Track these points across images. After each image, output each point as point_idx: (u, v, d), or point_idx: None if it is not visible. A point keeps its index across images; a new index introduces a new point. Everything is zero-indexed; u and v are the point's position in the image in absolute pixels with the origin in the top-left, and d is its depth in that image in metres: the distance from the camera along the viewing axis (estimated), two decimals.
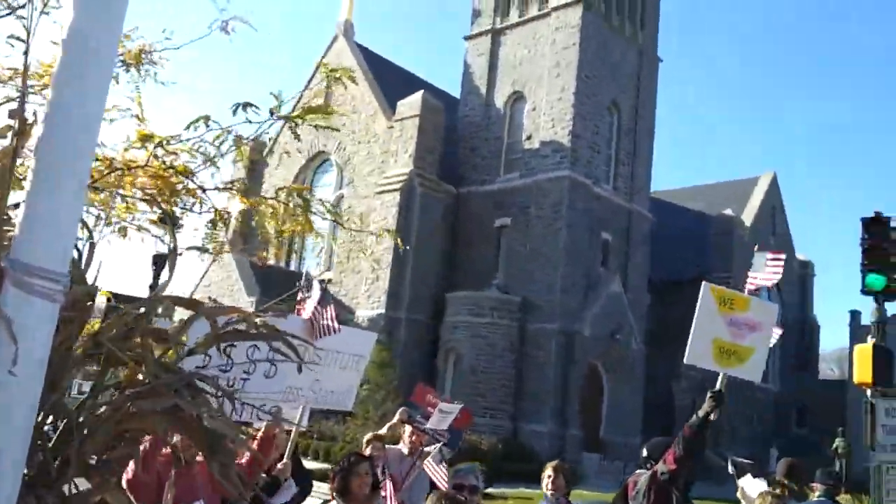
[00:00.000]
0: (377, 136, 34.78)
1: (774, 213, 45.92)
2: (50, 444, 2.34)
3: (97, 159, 4.15)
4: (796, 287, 47.99)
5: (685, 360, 5.13)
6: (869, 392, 9.85)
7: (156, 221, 7.80)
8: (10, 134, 2.21)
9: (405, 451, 7.02)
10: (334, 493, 5.64)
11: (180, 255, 2.55)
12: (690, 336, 5.09)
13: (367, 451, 6.63)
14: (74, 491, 2.33)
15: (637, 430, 31.39)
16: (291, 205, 4.26)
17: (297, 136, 4.11)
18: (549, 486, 5.92)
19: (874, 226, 10.60)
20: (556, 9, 33.19)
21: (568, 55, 32.20)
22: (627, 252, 34.23)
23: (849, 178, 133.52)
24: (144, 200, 4.24)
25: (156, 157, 3.99)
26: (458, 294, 31.18)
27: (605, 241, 33.12)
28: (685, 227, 42.43)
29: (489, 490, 20.31)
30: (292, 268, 36.84)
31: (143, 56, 4.35)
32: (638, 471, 5.83)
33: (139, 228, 4.30)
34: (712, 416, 4.97)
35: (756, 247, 6.89)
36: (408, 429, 7.32)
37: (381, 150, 34.22)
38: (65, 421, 2.36)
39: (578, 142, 31.65)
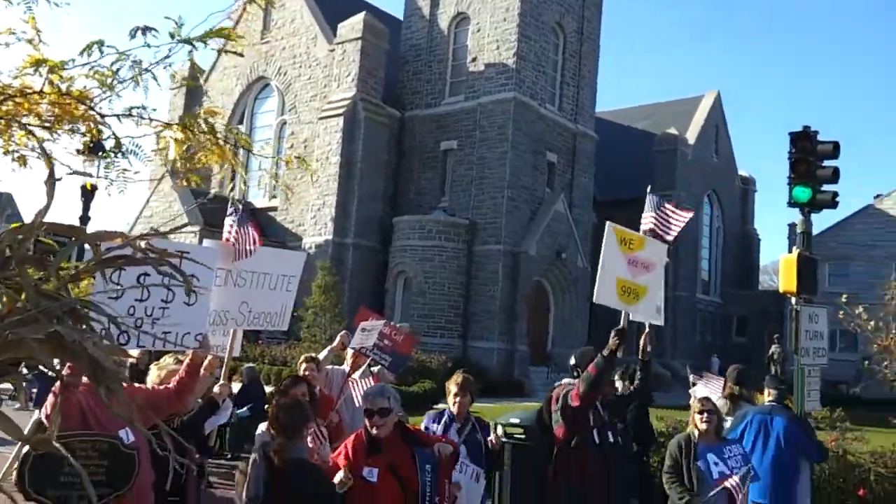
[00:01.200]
0: (318, 60, 33.95)
1: (718, 131, 46.60)
2: None
3: None
4: (738, 202, 49.21)
5: (594, 300, 5.22)
6: (794, 300, 10.28)
7: (82, 151, 7.61)
8: None
9: (347, 370, 7.16)
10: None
11: (59, 179, 2.53)
12: (598, 275, 5.19)
13: (302, 372, 6.74)
14: None
15: (583, 345, 32.24)
16: (197, 132, 4.16)
17: (194, 67, 3.99)
18: (455, 407, 5.66)
19: (801, 140, 10.83)
20: None
21: None
22: (573, 172, 34.49)
23: (791, 95, 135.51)
24: (45, 128, 4.12)
25: (51, 83, 3.86)
26: (406, 218, 31.22)
27: (550, 163, 33.27)
28: (630, 147, 42.87)
29: (438, 405, 20.96)
30: (237, 196, 36.22)
31: None
32: (564, 380, 6.01)
33: (42, 157, 4.19)
34: (619, 354, 5.11)
35: (648, 188, 7.08)
36: (350, 351, 7.45)
37: (324, 74, 33.47)
38: None
39: (523, 63, 31.37)
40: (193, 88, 38.85)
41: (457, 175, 32.39)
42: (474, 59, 32.61)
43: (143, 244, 2.58)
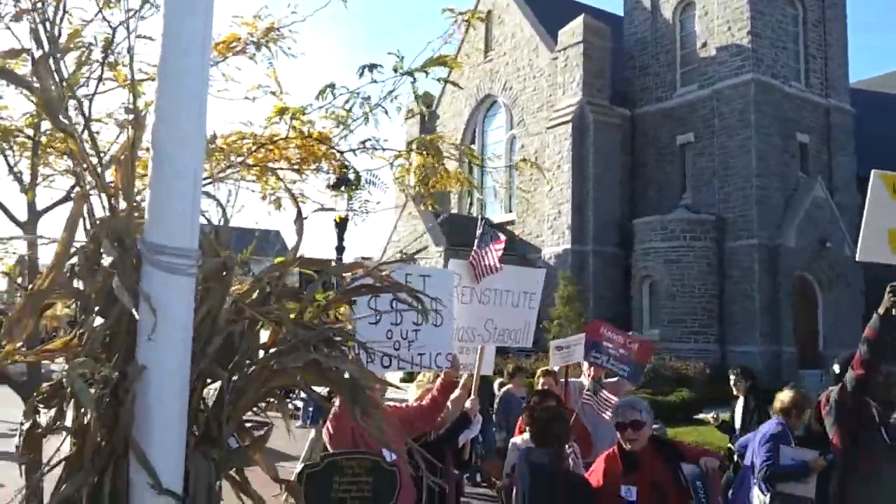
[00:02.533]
0: (542, 70, 34.09)
1: None
2: (210, 406, 2.54)
3: (244, 137, 4.40)
4: None
5: (857, 258, 4.66)
6: None
7: (330, 187, 8.16)
8: (128, 127, 2.40)
9: (585, 383, 7.01)
10: (527, 428, 5.76)
11: (306, 218, 2.66)
12: (861, 230, 4.59)
13: (541, 386, 6.70)
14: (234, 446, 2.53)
15: (859, 343, 29.08)
16: (427, 155, 4.27)
17: (417, 97, 4.08)
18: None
19: None
20: None
21: None
22: (830, 152, 31.32)
23: None
24: (294, 170, 4.44)
25: (294, 128, 4.16)
26: (646, 219, 30.16)
27: (801, 144, 30.49)
28: None
29: (701, 416, 19.82)
30: (474, 214, 37.41)
31: (273, 33, 4.50)
32: (830, 388, 5.39)
33: (299, 195, 4.52)
34: (894, 312, 4.48)
35: None
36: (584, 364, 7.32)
37: (548, 83, 33.53)
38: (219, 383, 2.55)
39: (759, 41, 29.12)
40: (426, 115, 40.84)
41: (697, 169, 30.77)
42: (704, 45, 30.87)
43: (382, 273, 2.64)
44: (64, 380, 2.25)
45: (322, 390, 2.72)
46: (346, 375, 2.47)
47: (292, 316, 2.62)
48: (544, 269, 6.50)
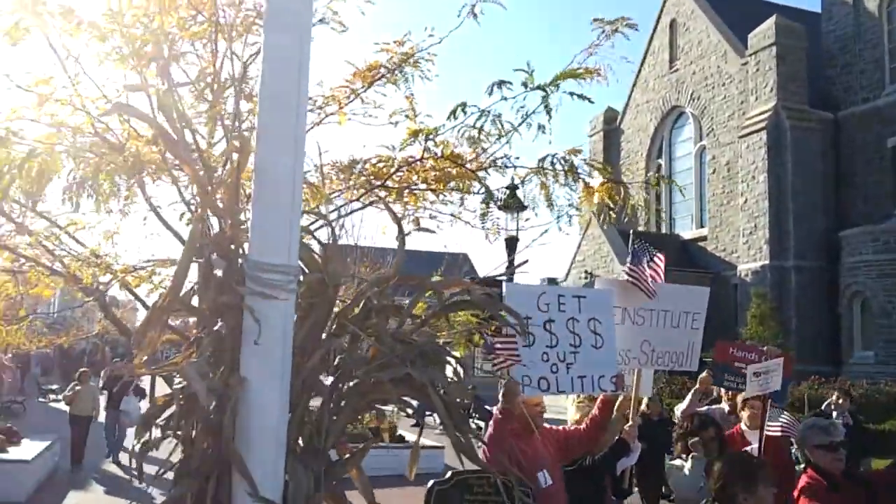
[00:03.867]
0: (731, 76, 32.36)
1: None
2: (314, 418, 2.63)
3: (381, 160, 4.55)
4: None
5: None
6: None
7: (501, 207, 8.23)
8: (234, 153, 2.57)
9: (727, 409, 6.52)
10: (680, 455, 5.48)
11: (408, 234, 2.69)
12: None
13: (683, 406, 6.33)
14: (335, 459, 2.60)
15: None
16: (558, 172, 4.19)
17: (548, 111, 4.01)
18: None
19: None
20: None
21: None
22: None
23: None
24: (431, 190, 4.53)
25: (427, 149, 4.24)
26: (854, 231, 27.53)
27: None
28: None
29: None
30: (663, 230, 36.10)
31: (411, 58, 4.64)
32: None
33: (431, 217, 4.61)
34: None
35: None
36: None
37: (738, 90, 31.75)
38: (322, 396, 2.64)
39: None
40: (610, 130, 40.11)
41: None
42: None
43: (479, 290, 2.61)
44: (178, 380, 2.41)
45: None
46: (440, 391, 2.46)
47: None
48: (708, 288, 6.06)
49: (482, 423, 19.75)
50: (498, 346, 4.52)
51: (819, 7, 32.40)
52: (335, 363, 2.61)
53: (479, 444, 5.07)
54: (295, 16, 2.53)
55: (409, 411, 2.67)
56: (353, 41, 5.30)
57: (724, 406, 6.71)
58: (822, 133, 29.80)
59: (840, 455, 4.09)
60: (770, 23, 29.79)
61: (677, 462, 5.67)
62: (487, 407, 20.71)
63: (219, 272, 2.59)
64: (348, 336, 2.68)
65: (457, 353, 2.56)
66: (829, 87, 30.98)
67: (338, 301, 2.75)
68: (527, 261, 3.04)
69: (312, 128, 4.80)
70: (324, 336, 2.67)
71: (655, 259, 5.89)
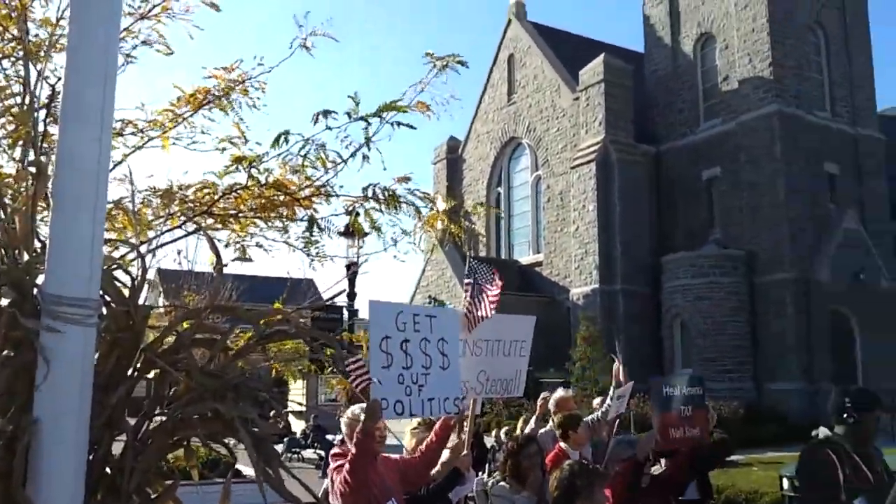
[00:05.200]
0: (564, 110, 34.24)
1: None
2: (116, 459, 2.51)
3: (206, 186, 4.44)
4: None
5: None
6: None
7: (342, 234, 8.17)
8: (29, 179, 2.43)
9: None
10: (506, 476, 5.60)
11: (226, 265, 2.64)
12: None
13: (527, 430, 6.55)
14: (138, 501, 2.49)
15: None
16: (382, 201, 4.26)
17: (367, 142, 4.08)
18: None
19: None
20: None
21: None
22: (860, 181, 30.77)
23: None
24: (258, 218, 4.46)
25: (251, 176, 4.19)
26: (674, 256, 29.80)
27: (830, 175, 30.03)
28: None
29: (735, 458, 19.18)
30: (502, 256, 37.37)
31: (242, 85, 4.58)
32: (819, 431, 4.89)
33: (258, 245, 4.54)
34: None
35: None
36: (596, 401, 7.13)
37: (571, 123, 33.64)
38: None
39: (782, 71, 28.96)
40: (453, 159, 41.16)
41: (725, 204, 30.43)
42: (726, 78, 30.80)
43: (301, 320, 2.60)
44: None
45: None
46: (249, 427, 2.42)
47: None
48: (535, 316, 6.24)
49: (322, 453, 19.42)
50: (351, 367, 4.44)
51: (643, 48, 35.05)
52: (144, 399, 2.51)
53: (326, 474, 4.96)
54: (100, 26, 2.44)
55: (223, 451, 2.59)
56: (182, 66, 5.16)
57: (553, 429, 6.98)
58: (646, 165, 32.12)
59: (647, 469, 4.37)
60: (599, 61, 31.85)
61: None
62: (329, 437, 20.45)
63: (8, 305, 2.43)
64: (156, 372, 2.58)
65: (291, 381, 2.51)
66: (651, 123, 33.50)
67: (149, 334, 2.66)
68: (343, 291, 3.05)
69: (133, 152, 4.61)
70: (129, 372, 2.55)
71: (492, 285, 5.94)
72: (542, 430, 6.90)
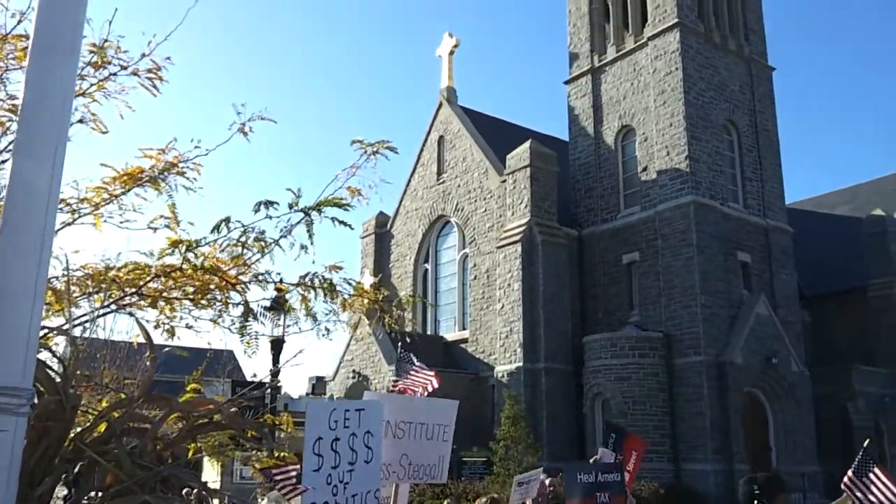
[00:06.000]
0: (492, 192, 35.11)
1: None
2: None
3: (139, 268, 4.45)
4: None
5: None
6: None
7: (267, 309, 8.07)
8: None
9: None
10: None
11: (160, 351, 2.69)
12: None
13: None
14: None
15: (813, 458, 29.10)
16: (317, 287, 4.36)
17: (310, 234, 4.22)
18: None
19: None
20: (651, 38, 32.68)
21: (671, 81, 31.47)
22: (771, 270, 32.35)
23: None
24: (189, 300, 4.48)
25: (187, 260, 4.23)
26: (595, 337, 30.45)
27: (743, 263, 31.48)
28: (834, 235, 39.67)
29: None
30: (429, 331, 37.37)
31: (177, 167, 4.65)
32: None
33: (188, 326, 4.53)
34: None
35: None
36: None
37: (498, 205, 34.47)
38: None
39: (697, 165, 30.58)
40: (381, 234, 41.40)
41: (644, 287, 31.44)
42: (645, 169, 32.27)
43: (231, 411, 2.65)
44: None
45: None
46: None
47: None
48: (457, 401, 6.26)
49: None
50: (277, 475, 4.32)
51: (567, 136, 36.50)
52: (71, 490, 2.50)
53: None
54: (54, 101, 2.51)
55: None
56: (117, 145, 5.20)
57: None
58: (569, 247, 33.03)
59: None
60: (526, 147, 32.98)
61: None
62: None
63: None
64: (85, 461, 2.58)
65: (205, 477, 2.54)
66: (574, 208, 34.64)
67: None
68: (271, 382, 3.11)
69: (62, 228, 4.60)
70: (57, 461, 2.55)
71: (421, 371, 6.01)
72: None
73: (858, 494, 4.02)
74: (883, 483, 4.07)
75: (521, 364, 30.34)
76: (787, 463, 28.34)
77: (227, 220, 4.22)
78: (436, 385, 5.75)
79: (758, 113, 33.94)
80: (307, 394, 61.83)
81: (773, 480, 5.21)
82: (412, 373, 5.96)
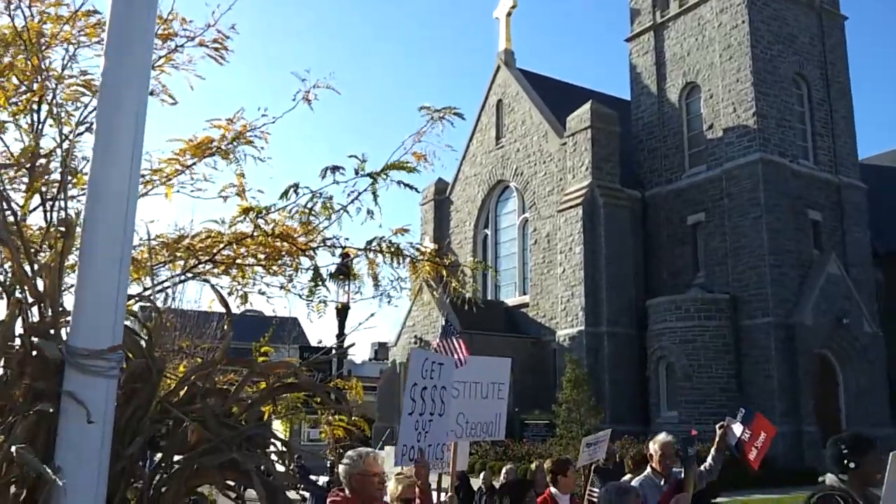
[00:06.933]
0: (552, 155, 34.71)
1: None
2: None
3: (210, 236, 4.56)
4: None
5: None
6: None
7: (332, 276, 8.26)
8: (58, 237, 2.55)
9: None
10: None
11: (237, 316, 2.76)
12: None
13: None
14: None
15: (886, 419, 28.30)
16: (384, 252, 4.39)
17: (375, 197, 4.23)
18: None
19: None
20: None
21: (738, 34, 30.39)
22: (843, 228, 31.27)
23: None
24: (261, 266, 4.58)
25: (258, 227, 4.31)
26: (660, 300, 30.04)
27: (814, 221, 30.52)
28: None
29: (720, 500, 19.18)
30: (489, 297, 37.46)
31: (245, 136, 4.72)
32: (827, 479, 4.91)
33: (260, 292, 4.64)
34: None
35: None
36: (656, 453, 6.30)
37: (558, 168, 34.08)
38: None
39: (765, 122, 29.60)
40: (441, 200, 41.47)
41: (710, 248, 30.80)
42: (711, 127, 31.40)
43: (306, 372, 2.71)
44: None
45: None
46: (264, 476, 2.52)
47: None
48: (510, 358, 6.25)
49: (307, 495, 19.18)
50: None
51: (629, 96, 35.72)
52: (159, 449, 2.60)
53: None
54: (132, 82, 2.57)
55: (233, 495, 2.69)
56: (185, 115, 5.30)
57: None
58: (632, 210, 32.51)
59: None
60: (586, 108, 32.42)
61: None
62: (313, 477, 20.21)
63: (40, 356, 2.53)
64: (171, 421, 2.67)
65: (281, 435, 2.62)
66: (637, 169, 34.00)
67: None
68: (353, 344, 3.16)
69: (139, 198, 4.72)
70: (145, 422, 2.65)
71: (457, 338, 6.00)
72: (638, 478, 6.28)
73: None
74: None
75: (582, 328, 30.20)
76: (858, 426, 27.61)
77: (296, 186, 4.27)
78: (464, 359, 5.73)
79: (829, 65, 32.55)
80: (370, 359, 63.00)
81: (861, 439, 4.99)
82: (450, 341, 5.96)
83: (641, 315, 30.39)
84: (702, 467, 6.15)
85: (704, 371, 27.92)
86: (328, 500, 4.23)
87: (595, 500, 6.57)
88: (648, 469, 6.09)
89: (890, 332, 30.65)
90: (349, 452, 4.16)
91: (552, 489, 6.72)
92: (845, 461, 4.68)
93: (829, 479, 4.81)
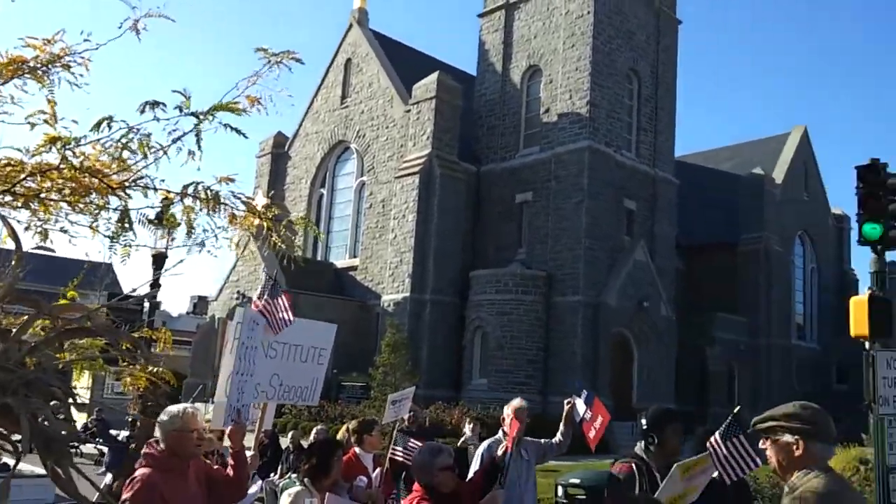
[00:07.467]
0: (395, 121, 34.84)
1: (807, 169, 44.80)
2: None
3: (10, 164, 4.28)
4: (833, 242, 46.93)
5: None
6: (867, 344, 9.61)
7: (151, 221, 7.91)
8: None
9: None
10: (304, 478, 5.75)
11: (26, 252, 2.67)
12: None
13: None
14: None
15: (670, 397, 31.21)
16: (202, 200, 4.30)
17: (198, 139, 4.12)
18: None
19: (868, 173, 10.22)
20: None
21: (582, 24, 31.82)
22: (653, 219, 33.87)
23: (883, 122, 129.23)
24: (66, 202, 4.36)
25: (65, 159, 4.09)
26: (482, 272, 31.24)
27: (629, 210, 32.83)
28: (715, 190, 41.74)
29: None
30: (319, 257, 37.23)
31: (62, 59, 4.43)
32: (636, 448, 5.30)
33: (62, 230, 4.42)
34: None
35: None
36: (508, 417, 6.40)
37: (400, 134, 34.29)
38: None
39: (597, 111, 31.32)
40: (278, 154, 40.47)
41: (534, 227, 32.32)
42: (547, 111, 32.78)
43: (103, 316, 2.68)
44: None
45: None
46: (40, 423, 2.48)
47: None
48: (336, 325, 6.25)
49: (105, 449, 18.36)
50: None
51: (475, 71, 36.42)
52: None
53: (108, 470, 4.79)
54: None
55: (9, 446, 2.61)
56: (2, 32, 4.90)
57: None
58: (467, 183, 33.41)
59: (453, 476, 4.71)
60: (433, 78, 32.77)
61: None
62: (113, 431, 19.33)
63: None
64: None
65: (74, 381, 2.59)
66: (475, 144, 34.92)
67: None
68: (160, 286, 3.13)
69: None
70: None
71: (282, 297, 5.91)
72: (489, 440, 6.57)
73: (720, 453, 4.33)
74: (744, 448, 4.41)
75: (407, 294, 30.82)
76: (645, 400, 30.27)
77: (110, 118, 4.07)
78: (289, 320, 5.60)
79: (661, 64, 34.86)
80: (188, 312, 60.55)
81: (659, 414, 5.35)
82: (274, 301, 5.74)
83: (466, 286, 31.46)
84: (553, 440, 6.55)
85: (516, 343, 29.46)
86: (143, 453, 4.02)
87: (398, 457, 6.83)
88: (500, 432, 6.39)
89: (683, 317, 33.75)
90: (169, 408, 4.03)
91: (356, 448, 6.90)
92: (648, 437, 5.18)
93: (638, 448, 5.32)
